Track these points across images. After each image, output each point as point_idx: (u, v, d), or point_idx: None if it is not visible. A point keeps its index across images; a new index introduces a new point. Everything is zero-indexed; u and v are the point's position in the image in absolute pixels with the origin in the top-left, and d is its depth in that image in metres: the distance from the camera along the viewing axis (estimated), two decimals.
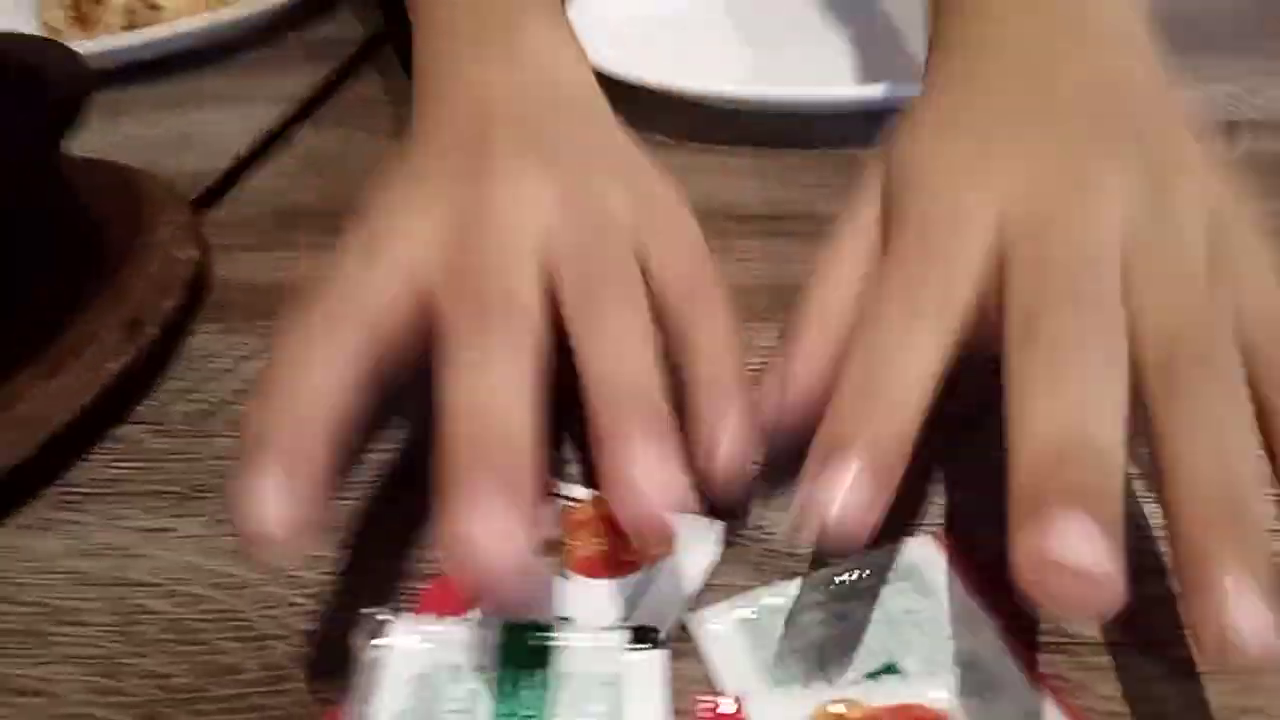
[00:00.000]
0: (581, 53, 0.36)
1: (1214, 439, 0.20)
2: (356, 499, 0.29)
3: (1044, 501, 0.19)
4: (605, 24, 0.55)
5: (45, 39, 0.40)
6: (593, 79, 0.35)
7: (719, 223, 0.41)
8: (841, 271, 0.28)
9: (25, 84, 0.35)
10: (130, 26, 0.64)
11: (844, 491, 0.20)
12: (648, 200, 0.30)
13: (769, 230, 0.40)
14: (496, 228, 0.27)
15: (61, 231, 0.36)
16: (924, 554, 0.25)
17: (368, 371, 0.24)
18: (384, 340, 0.25)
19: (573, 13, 0.55)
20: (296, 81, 0.59)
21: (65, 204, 0.37)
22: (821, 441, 0.22)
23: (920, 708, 0.21)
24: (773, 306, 0.36)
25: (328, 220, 0.44)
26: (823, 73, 0.52)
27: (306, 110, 0.55)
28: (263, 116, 0.54)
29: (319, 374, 0.23)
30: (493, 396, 0.23)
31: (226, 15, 0.63)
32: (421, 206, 0.28)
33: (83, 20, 0.65)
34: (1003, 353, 0.22)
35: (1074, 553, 0.18)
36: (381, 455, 0.31)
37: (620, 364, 0.24)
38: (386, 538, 0.28)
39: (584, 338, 0.24)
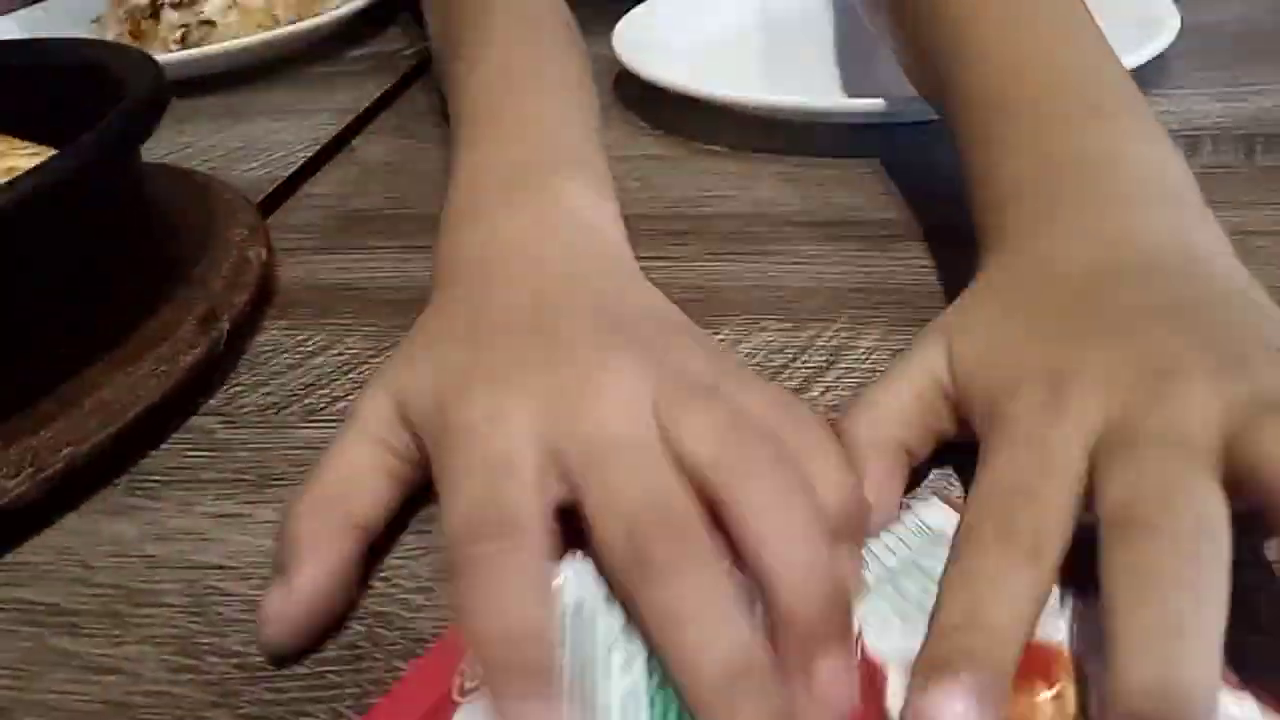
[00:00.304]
0: (617, 210, 0.35)
1: None
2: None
3: None
4: (666, 40, 0.56)
5: (126, 46, 0.41)
6: (624, 236, 0.34)
7: (781, 228, 0.41)
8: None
9: (108, 88, 0.36)
10: (184, 43, 0.66)
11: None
12: (729, 366, 0.28)
13: (829, 235, 0.40)
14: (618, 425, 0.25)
15: (139, 231, 0.37)
16: (936, 515, 0.25)
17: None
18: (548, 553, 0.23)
19: (632, 31, 0.56)
20: (352, 94, 0.60)
21: (143, 205, 0.38)
22: (927, 663, 0.21)
23: (1039, 646, 0.21)
24: (831, 306, 0.36)
25: (387, 224, 0.46)
26: (886, 82, 0.52)
27: (365, 120, 0.56)
28: (321, 127, 0.56)
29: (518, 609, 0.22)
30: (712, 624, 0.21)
31: (282, 32, 0.64)
32: (517, 405, 0.25)
33: (139, 37, 0.67)
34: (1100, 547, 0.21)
35: None
36: None
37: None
38: None
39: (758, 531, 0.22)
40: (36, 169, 0.31)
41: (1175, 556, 0.20)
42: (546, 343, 0.27)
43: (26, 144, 0.38)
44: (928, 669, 0.20)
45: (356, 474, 0.27)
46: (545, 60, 0.41)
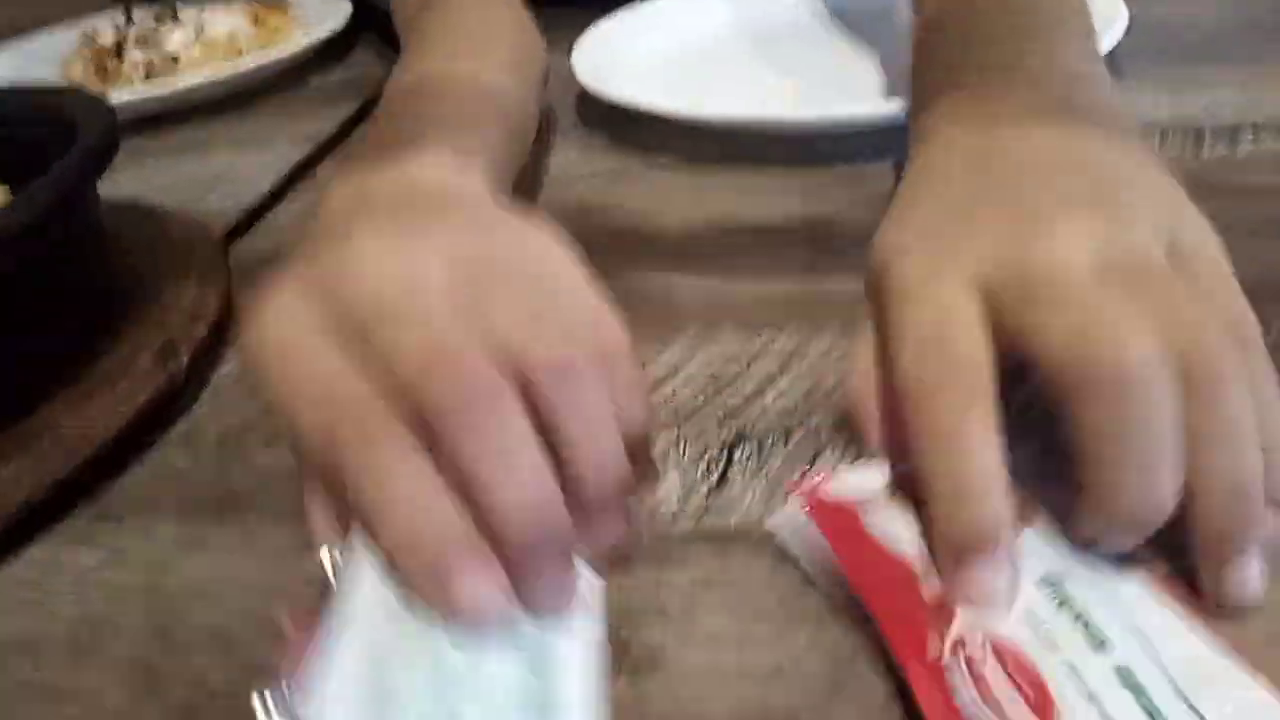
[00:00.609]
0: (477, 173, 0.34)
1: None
2: None
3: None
4: (623, 57, 0.57)
5: (76, 88, 0.41)
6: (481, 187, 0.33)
7: (734, 237, 0.42)
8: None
9: (60, 130, 0.37)
10: (148, 79, 0.66)
11: (996, 580, 0.22)
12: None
13: (782, 243, 0.41)
14: None
15: (97, 268, 0.38)
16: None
17: None
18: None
19: (594, 46, 0.57)
20: (316, 122, 0.60)
21: (101, 242, 0.39)
22: (945, 545, 0.23)
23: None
24: (783, 313, 0.36)
25: None
26: (839, 93, 0.53)
27: (328, 148, 0.57)
28: (284, 156, 0.56)
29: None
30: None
31: (241, 65, 0.64)
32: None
33: (103, 73, 0.67)
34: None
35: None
36: None
37: None
38: None
39: None
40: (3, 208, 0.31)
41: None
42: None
43: None
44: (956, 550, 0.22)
45: None
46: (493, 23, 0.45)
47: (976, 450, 0.22)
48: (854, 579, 0.24)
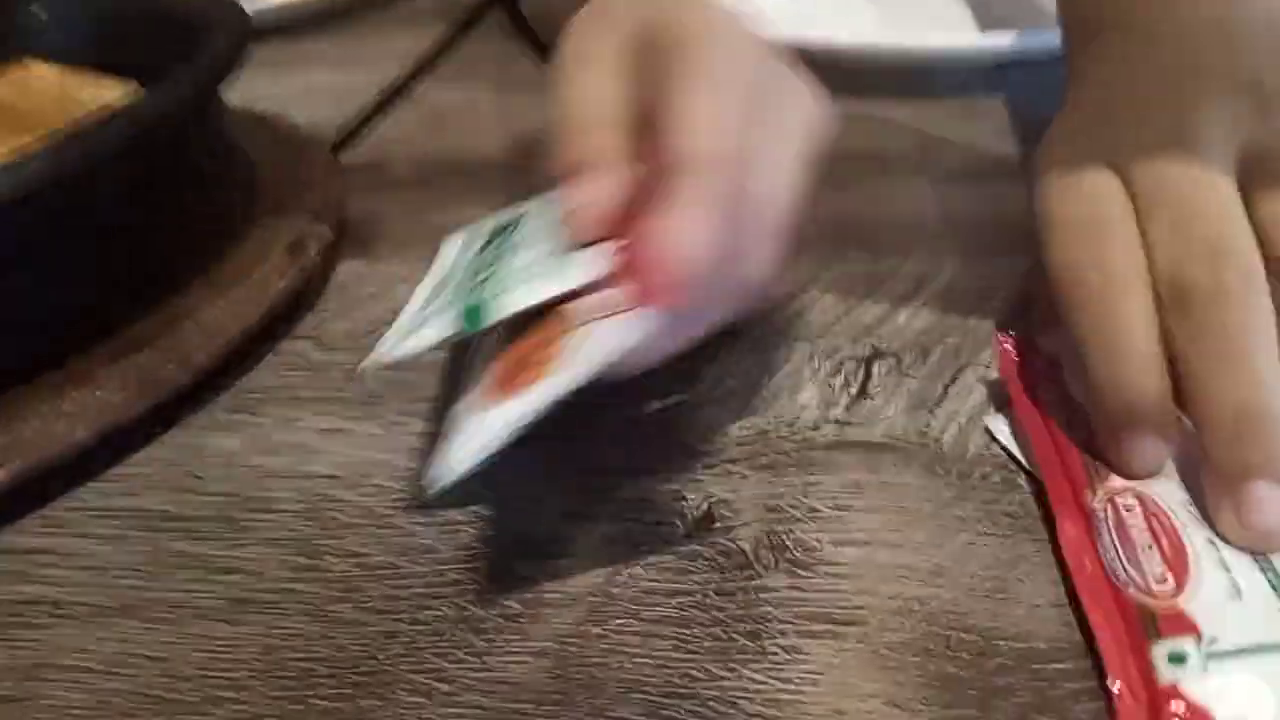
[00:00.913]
0: None
1: None
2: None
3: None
4: None
5: None
6: None
7: (852, 165, 0.41)
8: None
9: (194, 29, 0.37)
10: None
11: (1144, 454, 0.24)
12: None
13: (902, 170, 0.41)
14: None
15: (225, 164, 0.38)
16: None
17: None
18: None
19: None
20: (413, 41, 0.60)
21: (226, 140, 0.39)
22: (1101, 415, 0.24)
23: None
24: (905, 240, 0.36)
25: (456, 167, 0.46)
26: (948, 24, 0.52)
27: (424, 68, 0.57)
28: (382, 73, 0.56)
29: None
30: None
31: None
32: None
33: None
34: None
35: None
36: None
37: None
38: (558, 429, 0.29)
39: None
40: (134, 105, 0.31)
41: None
42: None
43: (115, 80, 0.39)
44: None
45: None
46: None
47: (1134, 330, 0.23)
48: (1032, 432, 0.25)
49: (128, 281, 0.32)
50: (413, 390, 0.31)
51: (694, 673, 0.22)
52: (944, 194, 0.39)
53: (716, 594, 0.24)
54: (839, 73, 0.49)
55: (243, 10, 0.39)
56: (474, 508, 0.27)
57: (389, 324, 0.34)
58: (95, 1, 0.46)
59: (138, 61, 0.41)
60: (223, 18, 0.38)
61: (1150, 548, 0.22)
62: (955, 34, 0.49)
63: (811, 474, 0.27)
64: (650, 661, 0.22)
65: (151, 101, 0.32)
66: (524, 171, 0.44)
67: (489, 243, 0.29)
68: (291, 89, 0.56)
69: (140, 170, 0.32)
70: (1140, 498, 0.23)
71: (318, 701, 0.23)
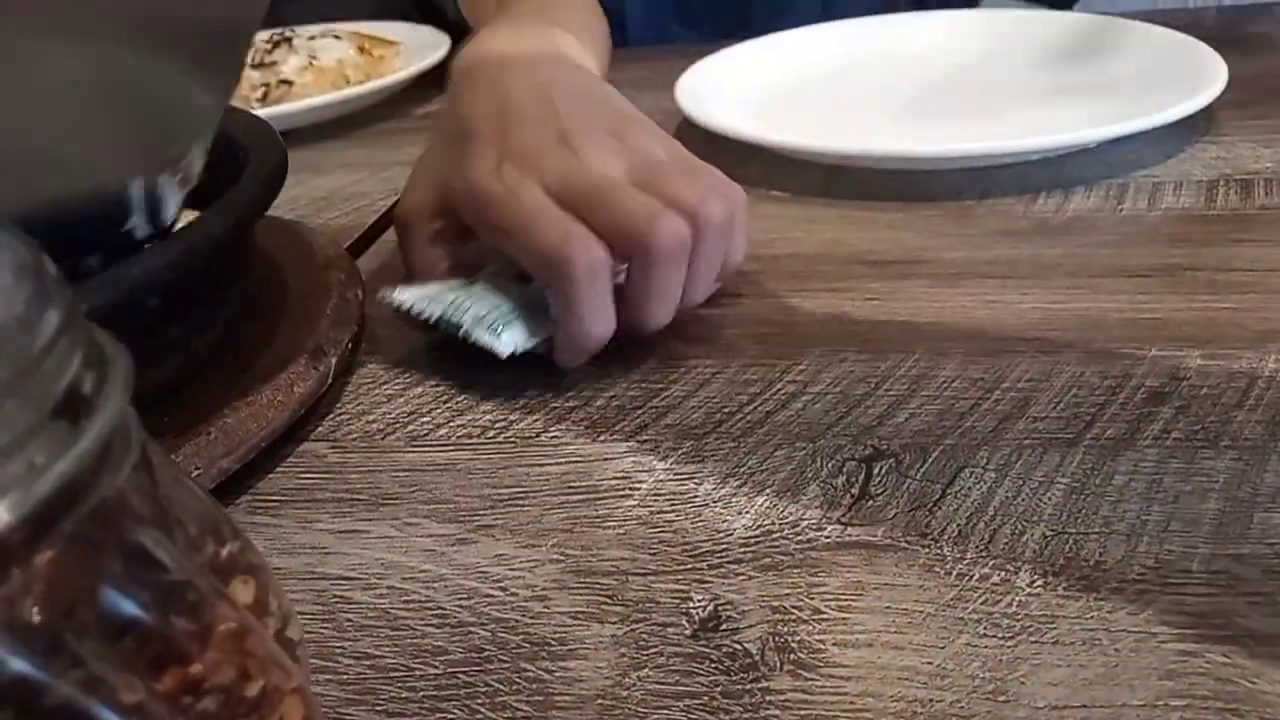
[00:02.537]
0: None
1: None
2: (532, 504, 0.31)
3: None
4: (726, 91, 0.59)
5: (248, 113, 0.44)
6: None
7: (849, 266, 0.43)
8: None
9: (238, 156, 0.39)
10: (264, 100, 0.69)
11: None
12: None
13: (898, 274, 0.42)
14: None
15: (257, 279, 0.40)
16: None
17: None
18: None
19: (694, 82, 0.58)
20: (420, 149, 0.63)
21: (254, 251, 0.40)
22: None
23: None
24: (903, 339, 0.37)
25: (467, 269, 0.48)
26: (936, 133, 0.55)
27: None
28: (397, 179, 0.58)
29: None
30: None
31: (358, 90, 0.67)
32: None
33: None
34: None
35: None
36: (560, 467, 0.33)
37: None
38: (565, 529, 0.29)
39: None
40: (194, 224, 0.33)
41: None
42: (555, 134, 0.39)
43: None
44: None
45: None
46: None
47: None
48: None
49: (160, 391, 0.34)
50: (427, 492, 0.32)
51: None
52: (939, 295, 0.40)
53: (723, 696, 0.24)
54: (836, 175, 0.51)
55: (275, 132, 0.41)
56: (484, 609, 0.27)
57: (404, 425, 0.36)
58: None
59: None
60: (261, 140, 0.40)
61: None
62: (947, 141, 0.51)
63: (815, 574, 0.27)
64: None
65: (205, 225, 0.34)
66: None
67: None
68: (309, 194, 0.58)
69: (185, 288, 0.34)
70: None
71: None
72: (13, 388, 0.15)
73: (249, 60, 0.68)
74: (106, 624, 0.17)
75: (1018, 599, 0.26)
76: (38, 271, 0.16)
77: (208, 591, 0.18)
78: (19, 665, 0.15)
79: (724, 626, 0.26)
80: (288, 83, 0.68)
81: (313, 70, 0.69)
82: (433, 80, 0.74)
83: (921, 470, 0.31)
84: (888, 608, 0.26)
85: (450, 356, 0.40)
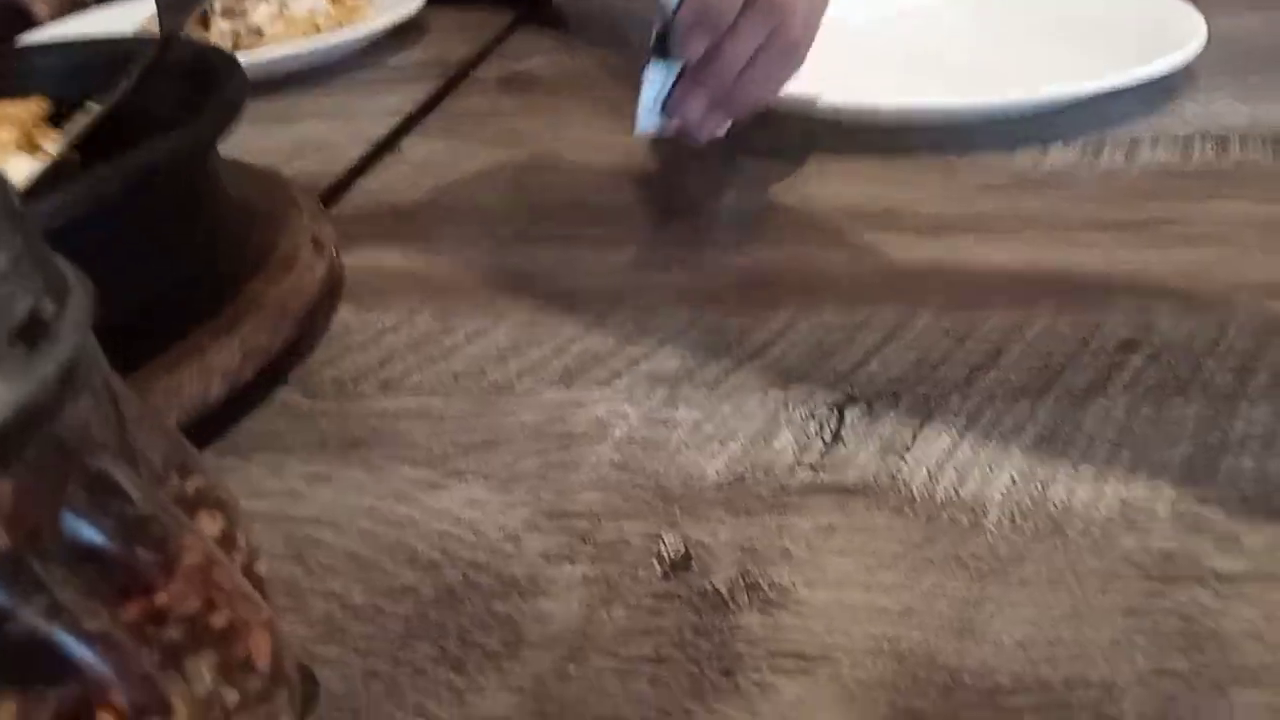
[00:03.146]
0: None
1: None
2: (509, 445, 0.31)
3: None
4: None
5: (213, 47, 0.43)
6: None
7: (830, 219, 0.43)
8: None
9: (199, 83, 0.38)
10: (233, 49, 0.67)
11: None
12: None
13: (877, 226, 0.42)
14: None
15: (222, 212, 0.39)
16: None
17: None
18: None
19: None
20: (396, 98, 0.62)
21: (222, 195, 0.40)
22: None
23: None
24: (880, 291, 0.37)
25: (442, 217, 0.48)
26: (918, 88, 0.54)
27: (411, 123, 0.58)
28: (367, 129, 0.57)
29: None
30: None
31: (331, 39, 0.66)
32: None
33: None
34: None
35: None
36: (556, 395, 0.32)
37: None
38: (538, 474, 0.29)
39: None
40: (144, 148, 0.33)
41: None
42: None
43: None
44: None
45: None
46: None
47: None
48: None
49: (130, 325, 0.33)
50: (399, 438, 0.32)
51: (670, 710, 0.23)
52: (916, 246, 0.40)
53: (693, 632, 0.24)
54: (815, 129, 0.51)
55: (240, 67, 0.40)
56: (455, 551, 0.27)
57: (376, 373, 0.35)
58: (96, 46, 0.47)
59: (141, 105, 0.43)
60: (225, 69, 0.39)
61: None
62: (929, 95, 0.51)
63: (786, 517, 0.27)
64: (627, 700, 0.23)
65: (161, 145, 0.33)
66: (506, 222, 0.45)
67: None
68: (281, 143, 0.57)
69: (144, 212, 0.33)
70: None
71: None
72: None
73: (218, 8, 0.67)
74: (69, 551, 0.16)
75: (986, 540, 0.26)
76: None
77: (172, 523, 0.18)
78: None
79: (694, 567, 0.26)
80: (258, 32, 0.67)
81: (284, 20, 0.68)
82: (405, 32, 0.73)
83: (893, 416, 0.31)
84: (857, 549, 0.26)
85: (425, 304, 0.39)
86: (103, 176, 0.30)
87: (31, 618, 0.16)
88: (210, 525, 0.19)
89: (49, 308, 0.16)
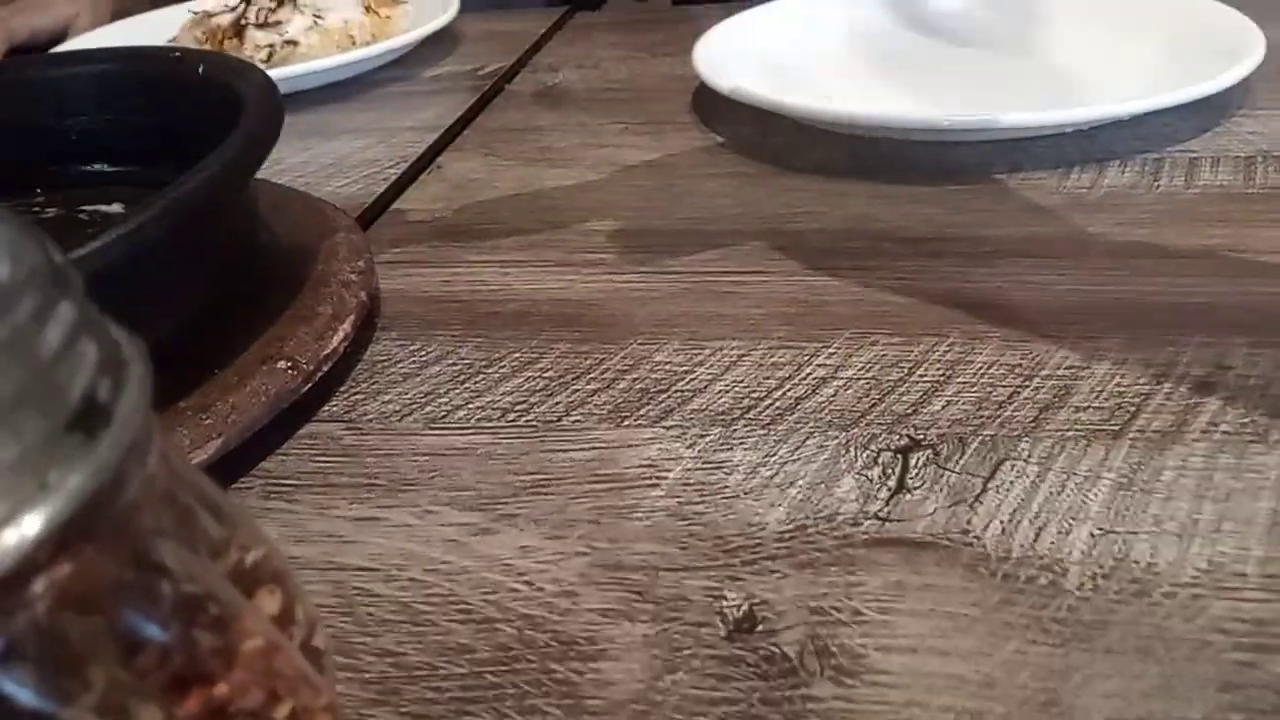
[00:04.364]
0: None
1: None
2: (556, 493, 0.30)
3: None
4: (746, 57, 0.57)
5: (247, 63, 0.42)
6: None
7: (878, 244, 0.42)
8: None
9: (231, 106, 0.37)
10: (269, 62, 0.67)
11: None
12: None
13: (928, 252, 0.41)
14: None
15: (254, 243, 0.38)
16: None
17: None
18: None
19: (713, 47, 0.57)
20: (433, 112, 0.61)
21: (256, 222, 0.39)
22: None
23: None
24: (936, 322, 0.36)
25: (482, 238, 0.47)
26: (966, 102, 0.53)
27: (448, 138, 0.57)
28: (407, 145, 0.56)
29: None
30: None
31: (366, 51, 0.65)
32: None
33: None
34: None
35: None
36: (583, 453, 0.31)
37: None
38: (591, 520, 0.28)
39: None
40: (174, 186, 0.32)
41: None
42: None
43: None
44: None
45: None
46: None
47: None
48: None
49: (163, 359, 0.32)
50: (447, 478, 0.31)
51: None
52: (972, 274, 0.39)
53: (761, 703, 0.23)
54: (860, 146, 0.49)
55: (275, 87, 0.39)
56: (509, 604, 0.26)
57: (421, 407, 0.35)
58: (134, 64, 0.47)
59: (164, 125, 0.42)
60: (255, 89, 0.39)
61: None
62: (977, 109, 0.49)
63: (853, 573, 0.26)
64: None
65: (190, 184, 0.33)
66: (547, 246, 0.44)
67: None
68: (318, 159, 0.56)
69: (175, 247, 0.33)
70: None
71: None
72: (23, 398, 0.14)
73: (253, 19, 0.66)
74: (122, 643, 0.16)
75: (1067, 603, 0.25)
76: (47, 267, 0.15)
77: (231, 604, 0.17)
78: (27, 697, 0.14)
79: (760, 628, 0.25)
80: (293, 43, 0.66)
81: (318, 31, 0.67)
82: (440, 43, 0.72)
83: (960, 462, 0.30)
84: (931, 610, 0.25)
85: (468, 333, 0.38)
86: (138, 224, 0.29)
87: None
88: (270, 603, 0.18)
89: (104, 387, 0.15)
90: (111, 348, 0.16)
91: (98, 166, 0.48)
